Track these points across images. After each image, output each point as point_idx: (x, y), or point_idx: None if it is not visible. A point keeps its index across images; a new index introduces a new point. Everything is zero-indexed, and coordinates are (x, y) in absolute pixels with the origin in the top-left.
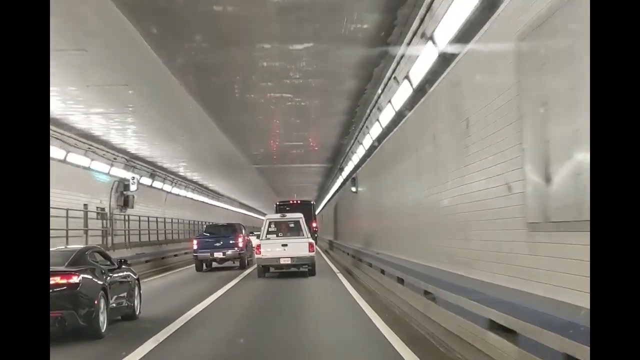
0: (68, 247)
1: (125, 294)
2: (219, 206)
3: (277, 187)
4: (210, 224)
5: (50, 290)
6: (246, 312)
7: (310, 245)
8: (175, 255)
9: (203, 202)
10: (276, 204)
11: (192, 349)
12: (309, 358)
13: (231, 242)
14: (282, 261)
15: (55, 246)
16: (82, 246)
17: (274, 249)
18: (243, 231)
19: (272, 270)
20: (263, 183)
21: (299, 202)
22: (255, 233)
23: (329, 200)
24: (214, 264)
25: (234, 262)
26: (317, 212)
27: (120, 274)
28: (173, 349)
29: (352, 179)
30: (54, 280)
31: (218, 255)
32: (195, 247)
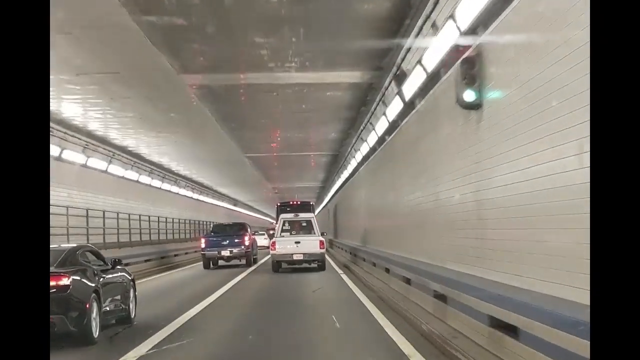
0: (58, 245)
1: (119, 296)
2: (183, 195)
3: (268, 172)
4: (217, 223)
5: None
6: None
7: (321, 242)
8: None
9: (149, 185)
10: (277, 205)
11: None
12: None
13: (238, 240)
14: (295, 257)
15: None
16: (72, 245)
17: (288, 245)
18: (249, 230)
19: (284, 266)
20: (237, 151)
21: (299, 202)
22: (259, 232)
23: (337, 191)
24: (221, 262)
25: (240, 260)
26: (316, 213)
27: (114, 275)
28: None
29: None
30: None
31: (225, 253)
32: (203, 245)
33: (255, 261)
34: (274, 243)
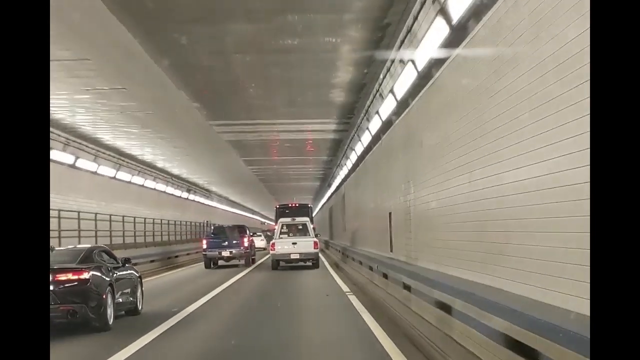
0: (77, 246)
1: (129, 290)
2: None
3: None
4: (217, 225)
5: (63, 286)
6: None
7: (315, 243)
8: None
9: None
10: (276, 207)
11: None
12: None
13: (238, 241)
14: (292, 256)
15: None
16: (90, 245)
17: (286, 246)
18: (247, 232)
19: (282, 265)
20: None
21: (297, 205)
22: (257, 234)
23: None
24: (221, 262)
25: (239, 260)
26: (315, 213)
27: (125, 272)
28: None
29: None
30: (66, 276)
31: (225, 254)
32: (204, 246)
33: (253, 261)
34: (273, 244)
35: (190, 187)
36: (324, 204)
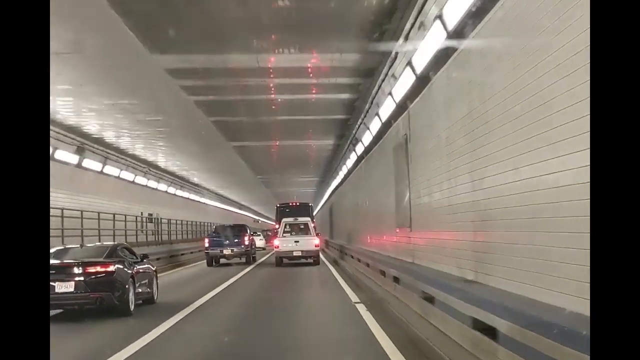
0: (102, 243)
1: (146, 281)
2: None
3: None
4: (219, 225)
5: (92, 277)
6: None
7: (316, 242)
8: None
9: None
10: (277, 206)
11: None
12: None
13: (239, 240)
14: (294, 254)
15: None
16: (113, 243)
17: (289, 244)
18: (248, 231)
19: (285, 261)
20: None
21: (297, 204)
22: (256, 233)
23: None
24: (222, 260)
25: (240, 259)
26: (315, 212)
27: (143, 266)
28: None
29: None
30: (95, 268)
31: (227, 252)
32: (206, 245)
33: (254, 260)
34: (278, 242)
35: (109, 153)
36: (334, 189)
